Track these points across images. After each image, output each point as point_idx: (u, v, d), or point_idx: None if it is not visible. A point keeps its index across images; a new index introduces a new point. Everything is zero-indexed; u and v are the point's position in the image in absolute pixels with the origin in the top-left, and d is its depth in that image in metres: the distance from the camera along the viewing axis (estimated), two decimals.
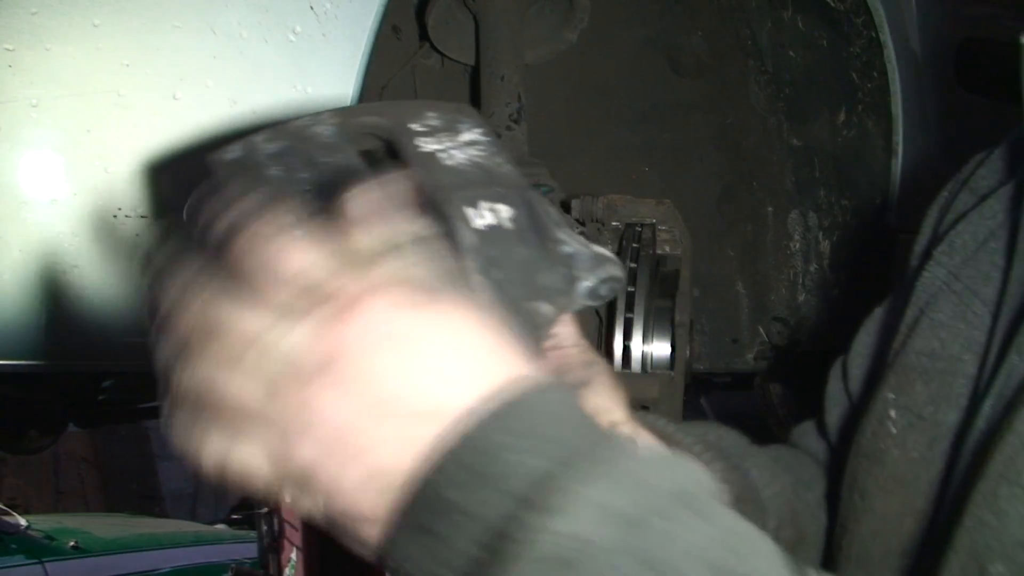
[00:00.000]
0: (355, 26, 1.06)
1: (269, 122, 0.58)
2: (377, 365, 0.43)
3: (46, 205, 0.92)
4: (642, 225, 1.35)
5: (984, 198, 0.78)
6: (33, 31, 0.91)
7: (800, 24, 1.81)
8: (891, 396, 0.73)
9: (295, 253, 0.44)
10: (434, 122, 0.59)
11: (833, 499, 0.81)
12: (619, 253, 1.35)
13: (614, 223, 1.38)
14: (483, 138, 0.59)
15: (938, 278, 0.75)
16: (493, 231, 0.54)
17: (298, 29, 1.02)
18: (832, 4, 1.77)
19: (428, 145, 0.58)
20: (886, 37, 1.72)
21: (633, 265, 1.29)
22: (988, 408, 0.63)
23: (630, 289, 1.28)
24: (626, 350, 1.28)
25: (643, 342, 1.28)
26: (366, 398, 0.42)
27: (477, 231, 0.53)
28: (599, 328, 1.36)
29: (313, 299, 0.43)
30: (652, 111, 1.88)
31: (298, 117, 0.59)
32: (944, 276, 0.75)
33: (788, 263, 1.99)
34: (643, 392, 1.27)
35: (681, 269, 1.36)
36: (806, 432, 0.94)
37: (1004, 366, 0.63)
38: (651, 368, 1.29)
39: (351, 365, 0.43)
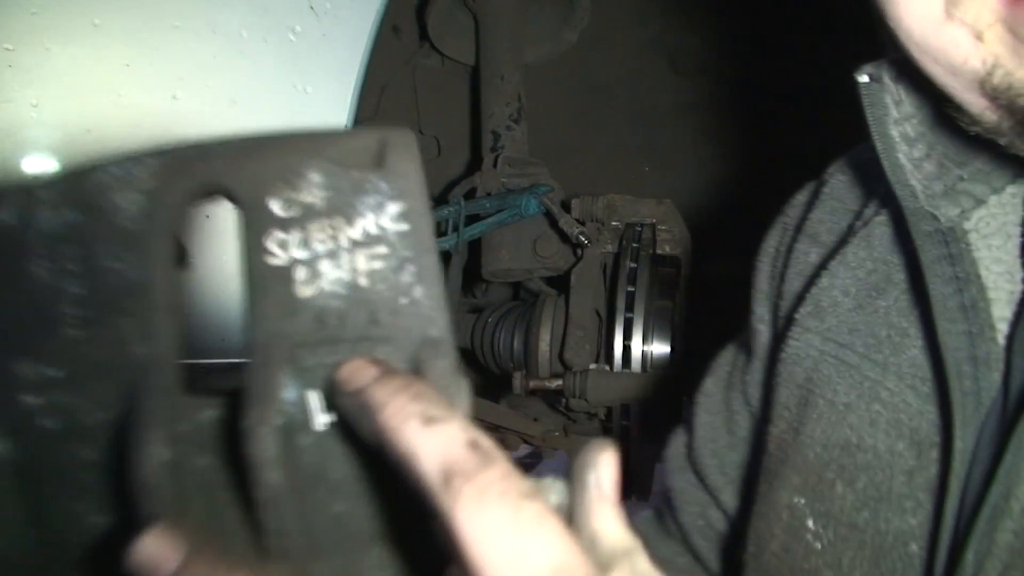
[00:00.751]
0: (355, 26, 1.06)
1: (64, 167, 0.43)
2: None
3: None
4: (642, 225, 1.35)
5: (842, 244, 0.67)
6: (33, 31, 0.91)
7: (800, 24, 1.81)
8: (800, 502, 0.61)
9: None
10: (315, 194, 0.39)
11: None
12: (619, 253, 1.35)
13: (614, 223, 1.38)
14: (397, 226, 0.39)
15: (814, 347, 0.64)
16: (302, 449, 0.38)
17: (298, 29, 1.02)
18: (832, 5, 1.77)
19: (286, 249, 0.39)
20: (887, 37, 1.72)
21: (633, 265, 1.30)
22: (986, 522, 0.50)
23: (630, 289, 1.28)
24: (626, 350, 1.28)
25: (643, 342, 1.28)
26: None
27: (266, 458, 0.36)
28: (599, 328, 1.36)
29: None
30: (652, 111, 1.88)
31: (96, 168, 0.41)
32: (821, 344, 0.64)
33: None
34: (643, 392, 1.27)
35: (681, 269, 1.37)
36: (648, 521, 0.84)
37: (1001, 470, 0.49)
38: (651, 368, 1.29)
39: None
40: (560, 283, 1.49)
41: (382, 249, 0.39)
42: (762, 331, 0.75)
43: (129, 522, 0.38)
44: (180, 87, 0.97)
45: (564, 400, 1.34)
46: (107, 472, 0.40)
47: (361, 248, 0.39)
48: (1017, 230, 0.57)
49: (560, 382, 1.32)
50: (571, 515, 0.38)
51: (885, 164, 0.60)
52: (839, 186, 0.75)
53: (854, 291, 0.64)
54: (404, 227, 0.39)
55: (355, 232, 0.39)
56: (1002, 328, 0.54)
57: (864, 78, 0.66)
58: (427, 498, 0.32)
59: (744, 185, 1.98)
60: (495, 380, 1.67)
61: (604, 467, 0.38)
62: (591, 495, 0.38)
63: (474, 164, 1.61)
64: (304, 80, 1.02)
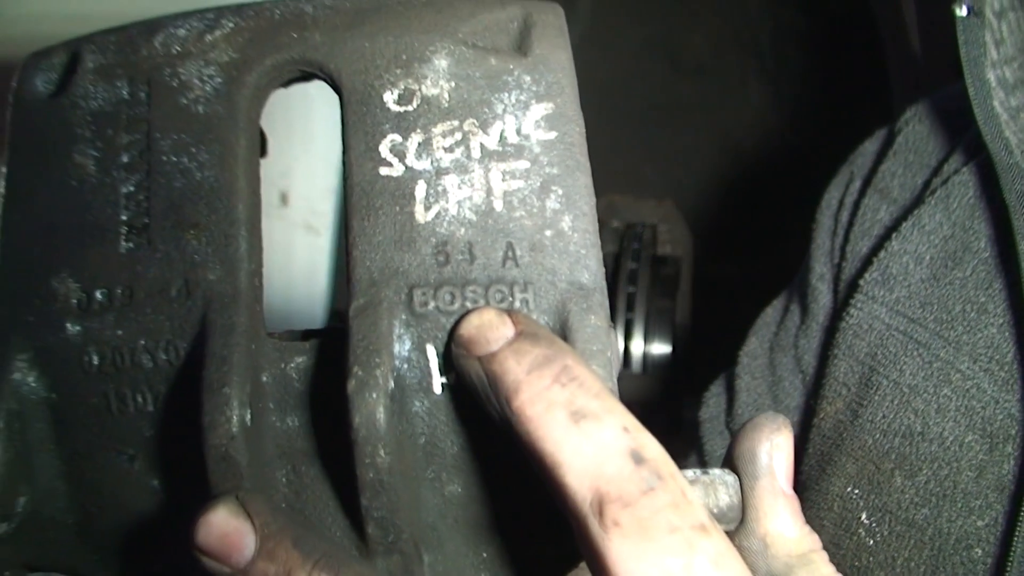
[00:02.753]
0: None
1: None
2: None
3: None
4: (643, 225, 1.35)
5: (917, 203, 0.60)
6: (33, 31, 0.91)
7: (800, 24, 1.81)
8: (854, 492, 0.55)
9: None
10: (442, 85, 0.29)
11: None
12: (620, 253, 1.35)
13: (614, 223, 1.39)
14: (543, 134, 0.30)
15: (880, 320, 0.57)
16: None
17: None
18: (832, 5, 1.77)
19: (400, 158, 0.29)
20: (886, 37, 1.72)
21: (634, 266, 1.30)
22: None
23: (630, 289, 1.28)
24: (626, 350, 1.28)
25: (643, 342, 1.28)
26: None
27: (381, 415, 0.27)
28: None
29: None
30: (652, 111, 1.88)
31: (167, 26, 0.31)
32: (888, 317, 0.57)
33: (788, 263, 1.99)
34: (643, 392, 1.27)
35: (682, 269, 1.37)
36: None
37: None
38: (651, 368, 1.29)
39: None
40: None
41: (523, 164, 0.29)
42: (822, 291, 0.66)
43: (192, 490, 0.29)
44: None
45: None
46: (165, 426, 0.31)
47: (496, 161, 0.29)
48: None
49: None
50: (744, 510, 0.31)
51: (977, 112, 0.52)
52: (916, 136, 0.64)
53: (928, 259, 0.56)
54: (551, 135, 0.30)
55: (490, 139, 0.29)
56: None
57: (962, 10, 0.57)
58: (570, 516, 0.25)
59: (744, 185, 1.98)
60: None
61: (777, 454, 0.31)
62: (763, 489, 0.31)
63: None
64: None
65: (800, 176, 1.93)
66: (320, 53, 0.30)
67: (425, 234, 0.29)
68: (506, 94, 0.29)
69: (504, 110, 0.29)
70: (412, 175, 0.29)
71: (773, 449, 0.31)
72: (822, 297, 0.66)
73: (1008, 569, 0.46)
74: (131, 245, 0.30)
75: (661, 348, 1.30)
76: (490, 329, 0.27)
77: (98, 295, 0.30)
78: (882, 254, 0.58)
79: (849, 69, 1.80)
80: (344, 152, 0.30)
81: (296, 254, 1.03)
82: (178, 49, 0.30)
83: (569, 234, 0.29)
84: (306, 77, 0.31)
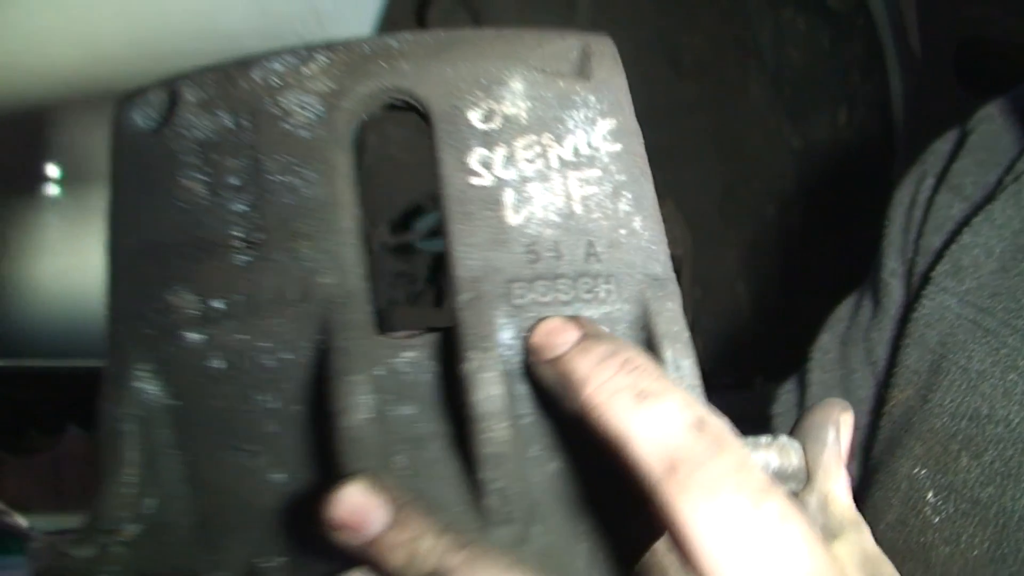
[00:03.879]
0: (355, 26, 1.06)
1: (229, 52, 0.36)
2: None
3: (46, 205, 0.92)
4: None
5: (989, 199, 0.62)
6: (33, 31, 0.91)
7: (800, 24, 1.81)
8: (921, 472, 0.57)
9: None
10: (519, 105, 0.34)
11: None
12: None
13: None
14: (610, 146, 0.35)
15: (950, 310, 0.59)
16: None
17: (298, 28, 1.02)
18: (832, 5, 1.77)
19: (490, 169, 0.34)
20: (886, 37, 1.72)
21: None
22: None
23: None
24: None
25: None
26: None
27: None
28: None
29: None
30: (652, 111, 1.88)
31: (259, 62, 0.35)
32: (958, 307, 0.59)
33: (788, 263, 1.99)
34: None
35: (682, 269, 1.36)
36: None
37: None
38: None
39: None
40: None
41: (595, 172, 0.34)
42: (894, 286, 0.69)
43: (316, 480, 0.33)
44: None
45: None
46: (289, 422, 0.33)
47: (572, 169, 0.34)
48: None
49: None
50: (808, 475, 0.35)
51: None
52: (988, 135, 0.68)
53: (998, 251, 0.59)
54: (617, 147, 0.35)
55: (565, 151, 0.34)
56: None
57: None
58: (644, 486, 0.28)
59: (744, 185, 1.98)
60: None
61: (845, 426, 0.35)
62: (830, 455, 0.35)
63: None
64: None
65: (799, 175, 1.93)
66: (409, 80, 0.35)
67: (516, 235, 0.33)
68: (575, 112, 0.34)
69: (575, 125, 0.34)
70: (500, 184, 0.34)
71: (840, 424, 0.35)
72: (894, 291, 0.69)
73: None
74: (246, 258, 0.34)
75: None
76: (557, 335, 0.31)
77: (217, 304, 0.34)
78: (953, 247, 0.61)
79: (849, 69, 1.80)
80: (437, 167, 0.34)
81: None
82: (277, 82, 0.34)
83: (641, 232, 0.34)
84: (395, 104, 0.36)
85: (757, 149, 1.91)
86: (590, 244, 0.34)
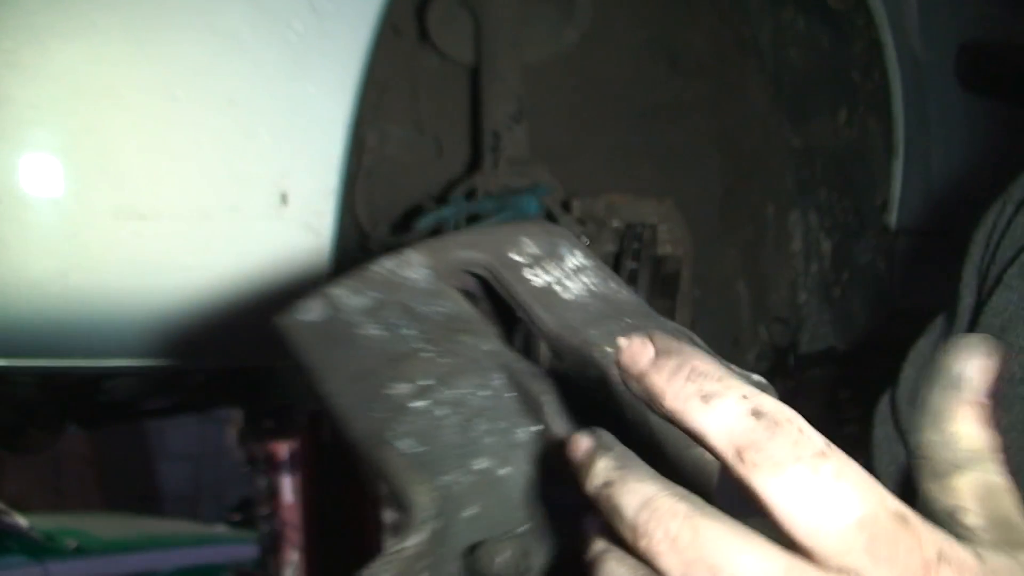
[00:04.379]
0: (355, 26, 1.06)
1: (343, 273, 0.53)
2: None
3: (46, 205, 0.92)
4: (643, 225, 1.35)
5: None
6: (33, 31, 0.91)
7: (800, 24, 1.81)
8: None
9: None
10: (533, 250, 0.55)
11: None
12: (619, 253, 1.35)
13: (614, 223, 1.38)
14: (588, 262, 0.55)
15: (1011, 303, 0.69)
16: None
17: (298, 28, 1.02)
18: (832, 4, 1.77)
19: (538, 277, 0.53)
20: (887, 37, 1.72)
21: (634, 265, 1.29)
22: None
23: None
24: None
25: None
26: None
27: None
28: None
29: None
30: (652, 111, 1.88)
31: (375, 262, 0.53)
32: (1017, 300, 0.69)
33: (789, 263, 1.99)
34: None
35: (682, 269, 1.36)
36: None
37: None
38: None
39: None
40: None
41: (589, 273, 0.54)
42: (965, 296, 0.79)
43: (529, 469, 0.47)
44: (180, 87, 0.97)
45: None
46: (500, 434, 0.47)
47: (578, 273, 0.53)
48: None
49: None
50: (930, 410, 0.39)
51: None
52: None
53: None
54: (591, 260, 0.55)
55: (568, 265, 0.54)
56: None
57: None
58: (727, 470, 0.35)
59: (744, 185, 1.98)
60: None
61: (974, 365, 0.39)
62: (950, 396, 0.39)
63: (474, 164, 1.61)
64: (304, 79, 1.02)
65: (801, 176, 1.93)
66: (476, 256, 0.55)
67: (571, 305, 0.52)
68: (561, 249, 0.55)
69: (565, 253, 0.55)
70: (548, 282, 0.53)
71: (966, 364, 0.38)
72: (964, 300, 0.79)
73: None
74: (430, 353, 0.49)
75: None
76: (636, 354, 0.37)
77: (424, 381, 0.48)
78: (1023, 255, 0.70)
79: (849, 69, 1.80)
80: (510, 290, 0.53)
81: (296, 254, 1.03)
82: (396, 267, 0.53)
83: (627, 294, 0.54)
84: (469, 270, 0.55)
85: (757, 149, 1.91)
86: (608, 302, 0.52)
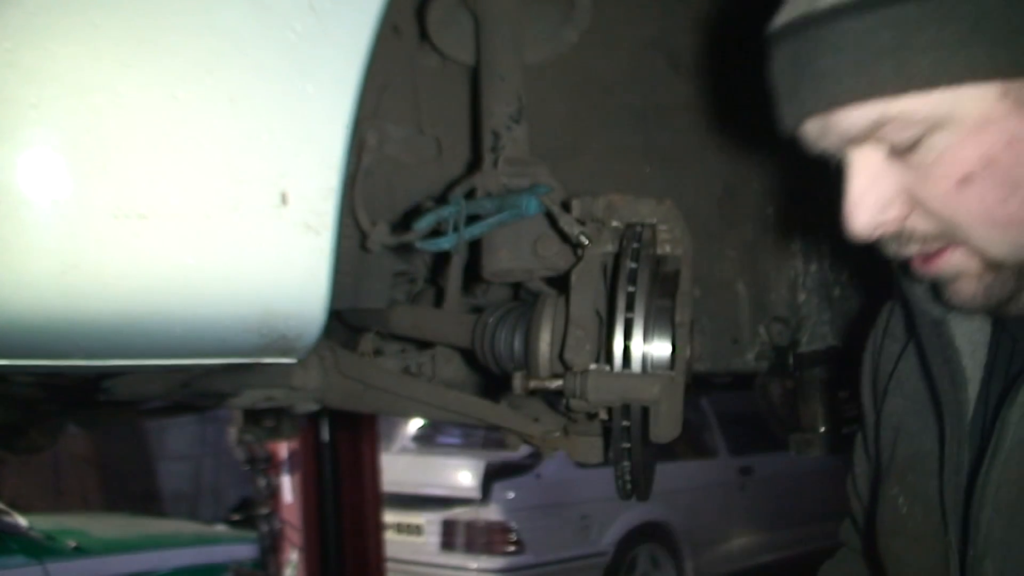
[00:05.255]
0: (355, 25, 1.05)
1: None
2: None
3: (46, 205, 0.92)
4: (642, 225, 1.35)
5: (910, 339, 1.08)
6: (33, 31, 0.91)
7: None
8: (895, 490, 1.04)
9: None
10: None
11: (872, 567, 1.15)
12: (619, 253, 1.35)
13: (614, 223, 1.38)
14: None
15: (898, 406, 1.07)
16: None
17: (298, 28, 1.02)
18: None
19: None
20: None
21: (633, 265, 1.29)
22: (954, 483, 0.95)
23: (630, 289, 1.28)
24: (626, 350, 1.28)
25: (643, 342, 1.28)
26: None
27: None
28: (599, 328, 1.36)
29: None
30: (652, 111, 1.88)
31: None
32: (903, 404, 1.05)
33: (789, 263, 1.99)
34: (643, 392, 1.27)
35: (681, 269, 1.36)
36: (847, 528, 1.28)
37: (960, 458, 0.96)
38: (651, 368, 1.29)
39: None
40: (560, 283, 1.48)
41: None
42: (868, 409, 1.15)
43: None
44: (180, 87, 0.97)
45: (564, 400, 1.34)
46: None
47: None
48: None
49: (560, 382, 1.32)
50: None
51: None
52: (899, 309, 1.12)
53: (915, 371, 1.05)
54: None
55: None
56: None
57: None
58: None
59: (744, 185, 1.98)
60: (495, 380, 1.67)
61: None
62: None
63: (474, 164, 1.61)
64: (304, 80, 1.02)
65: (800, 175, 1.93)
66: None
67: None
68: None
69: None
70: None
71: None
72: (869, 414, 1.17)
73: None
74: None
75: (661, 348, 1.29)
76: None
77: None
78: (896, 371, 1.09)
79: None
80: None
81: (296, 254, 1.02)
82: None
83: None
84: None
85: (757, 149, 1.91)
86: None
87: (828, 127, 0.87)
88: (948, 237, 0.85)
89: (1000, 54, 0.76)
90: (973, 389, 0.95)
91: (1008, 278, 0.86)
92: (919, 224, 0.86)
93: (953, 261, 0.87)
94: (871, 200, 0.86)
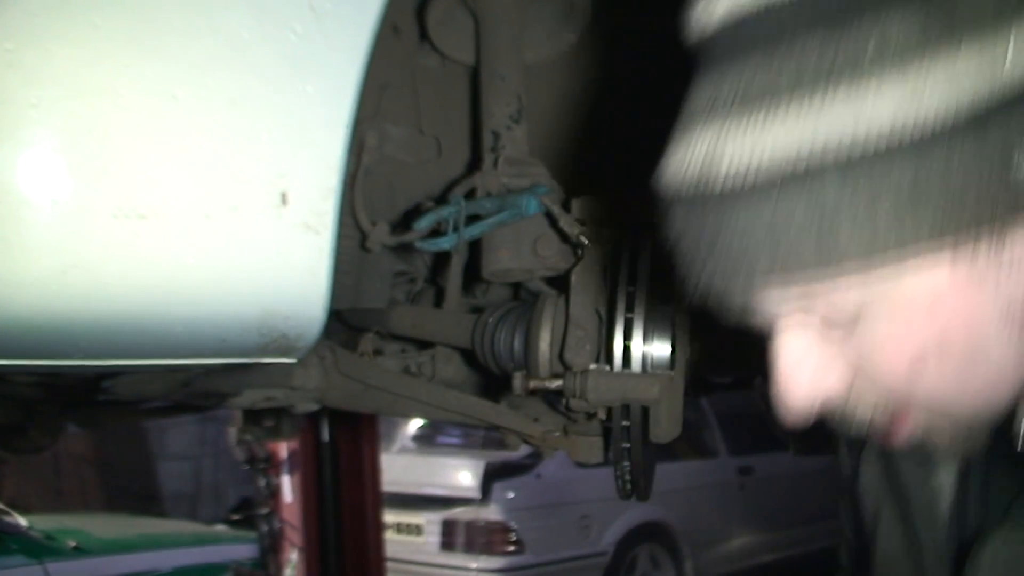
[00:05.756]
0: (355, 26, 1.05)
1: None
2: None
3: (46, 205, 0.92)
4: (642, 225, 1.35)
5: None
6: (33, 31, 0.91)
7: None
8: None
9: None
10: None
11: None
12: (619, 253, 1.35)
13: (614, 223, 1.38)
14: None
15: (873, 475, 1.06)
16: None
17: (298, 28, 1.02)
18: None
19: None
20: None
21: (633, 264, 1.29)
22: None
23: (630, 289, 1.28)
24: (626, 350, 1.28)
25: (643, 342, 1.28)
26: None
27: None
28: (599, 328, 1.36)
29: None
30: (652, 111, 1.87)
31: None
32: (878, 472, 1.04)
33: None
34: (643, 392, 1.27)
35: None
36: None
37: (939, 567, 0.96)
38: (651, 368, 1.29)
39: None
40: (560, 283, 1.49)
41: None
42: (845, 471, 1.12)
43: None
44: (180, 87, 0.97)
45: (564, 400, 1.34)
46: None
47: None
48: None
49: (560, 382, 1.32)
50: None
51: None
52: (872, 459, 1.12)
53: (877, 489, 1.05)
54: None
55: None
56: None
57: None
58: None
59: None
60: (495, 380, 1.67)
61: None
62: None
63: (474, 164, 1.61)
64: (304, 80, 1.02)
65: None
66: None
67: None
68: None
69: None
70: None
71: None
72: (847, 475, 1.13)
73: None
74: None
75: (661, 348, 1.30)
76: None
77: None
78: (862, 479, 1.07)
79: None
80: None
81: (296, 254, 1.02)
82: None
83: None
84: None
85: None
86: None
87: (746, 308, 0.76)
88: (905, 404, 0.73)
89: (947, 222, 0.62)
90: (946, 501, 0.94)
91: (985, 426, 0.75)
92: (868, 390, 0.73)
93: (919, 423, 0.74)
94: (807, 370, 0.73)
